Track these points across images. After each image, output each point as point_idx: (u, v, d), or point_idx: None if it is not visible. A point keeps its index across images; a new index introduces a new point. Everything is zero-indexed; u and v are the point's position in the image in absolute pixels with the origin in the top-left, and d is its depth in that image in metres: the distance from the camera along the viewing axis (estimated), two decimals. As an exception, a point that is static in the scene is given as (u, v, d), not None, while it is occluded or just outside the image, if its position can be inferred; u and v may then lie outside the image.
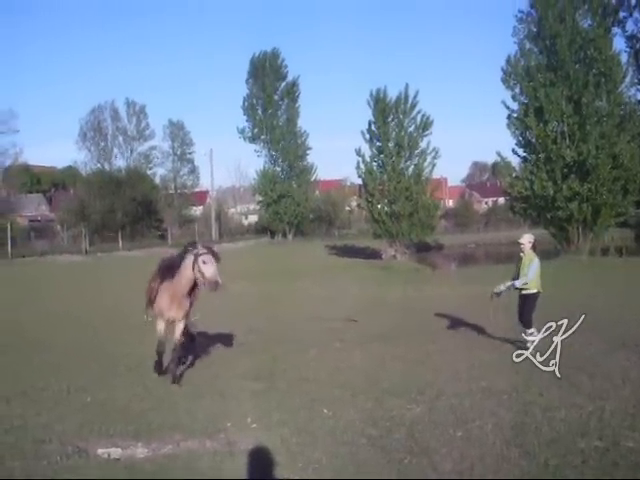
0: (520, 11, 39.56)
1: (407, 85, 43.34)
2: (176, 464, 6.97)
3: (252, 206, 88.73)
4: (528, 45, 38.78)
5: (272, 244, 69.51)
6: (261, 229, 79.68)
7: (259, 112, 71.37)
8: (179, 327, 10.67)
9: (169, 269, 10.49)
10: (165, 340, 10.67)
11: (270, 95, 71.07)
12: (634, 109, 38.98)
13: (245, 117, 72.08)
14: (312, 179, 73.59)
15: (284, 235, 73.68)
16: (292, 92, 72.60)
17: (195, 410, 8.83)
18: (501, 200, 71.52)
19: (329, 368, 11.28)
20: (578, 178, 35.01)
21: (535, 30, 38.34)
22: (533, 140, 36.93)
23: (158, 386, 10.12)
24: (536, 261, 12.24)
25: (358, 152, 43.69)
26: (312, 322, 17.05)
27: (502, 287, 12.43)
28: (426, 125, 43.36)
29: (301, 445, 7.39)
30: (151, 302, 10.83)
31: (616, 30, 47.77)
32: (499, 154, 40.42)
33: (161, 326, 10.64)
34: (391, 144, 42.89)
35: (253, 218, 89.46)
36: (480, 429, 7.72)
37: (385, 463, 6.79)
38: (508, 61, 38.71)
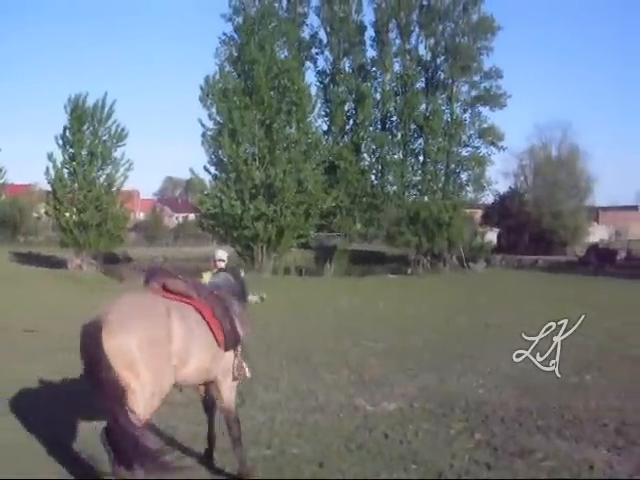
0: (224, 34, 40.74)
1: (106, 93, 42.29)
2: None
3: None
4: (228, 67, 40.03)
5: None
6: (-62, 231, 72.35)
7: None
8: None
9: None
10: None
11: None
12: (319, 139, 42.10)
13: None
14: (-1, 182, 68.29)
15: (-39, 239, 67.65)
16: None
17: None
18: (192, 216, 72.08)
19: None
20: (265, 199, 36.65)
21: (236, 54, 39.67)
22: (225, 159, 37.98)
23: None
24: None
25: (50, 157, 41.64)
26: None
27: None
28: (121, 136, 42.68)
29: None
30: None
31: (309, 64, 51.34)
32: (192, 170, 41.18)
33: None
34: (84, 152, 41.57)
35: None
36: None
37: None
38: (207, 80, 39.55)
